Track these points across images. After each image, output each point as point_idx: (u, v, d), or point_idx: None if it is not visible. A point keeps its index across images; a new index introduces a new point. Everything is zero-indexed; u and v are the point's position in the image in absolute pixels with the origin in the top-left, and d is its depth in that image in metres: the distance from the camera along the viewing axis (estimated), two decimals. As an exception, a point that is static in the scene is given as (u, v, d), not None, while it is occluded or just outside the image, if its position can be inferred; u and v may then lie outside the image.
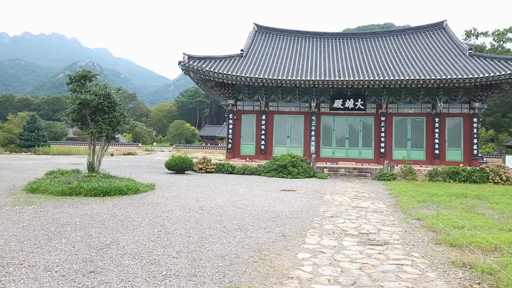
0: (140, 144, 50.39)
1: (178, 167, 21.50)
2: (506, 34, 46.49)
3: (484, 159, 36.42)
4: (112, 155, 42.52)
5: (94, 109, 15.13)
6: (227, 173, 22.86)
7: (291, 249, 6.39)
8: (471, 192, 14.42)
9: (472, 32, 48.28)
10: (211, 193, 13.34)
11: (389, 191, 15.59)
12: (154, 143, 77.87)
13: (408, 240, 7.18)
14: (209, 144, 72.64)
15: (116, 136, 21.92)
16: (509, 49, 46.04)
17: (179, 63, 25.05)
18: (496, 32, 47.22)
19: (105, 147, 16.46)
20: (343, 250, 6.40)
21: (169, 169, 21.98)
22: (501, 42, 46.97)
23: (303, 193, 14.40)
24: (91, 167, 15.39)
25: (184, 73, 26.11)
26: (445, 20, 31.39)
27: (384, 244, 6.84)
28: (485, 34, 48.23)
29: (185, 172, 22.23)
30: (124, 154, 44.83)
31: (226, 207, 10.40)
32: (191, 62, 25.05)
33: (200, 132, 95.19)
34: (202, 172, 22.93)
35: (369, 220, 9.13)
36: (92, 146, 15.82)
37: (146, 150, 51.50)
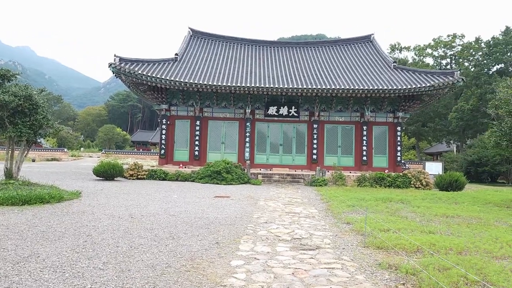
0: (65, 149, 47.60)
1: (107, 173, 20.54)
2: (426, 49, 50.19)
3: (407, 165, 38.84)
4: (33, 160, 39.74)
5: (13, 111, 14.04)
6: (159, 180, 22.27)
7: (225, 256, 6.28)
8: (395, 197, 15.22)
9: (396, 46, 51.58)
10: (142, 201, 12.86)
11: (321, 196, 16.01)
12: (82, 149, 74.07)
13: (338, 244, 7.36)
14: (141, 150, 70.45)
15: (39, 140, 20.56)
16: (428, 64, 49.74)
17: (110, 65, 24.07)
18: (417, 48, 50.83)
19: (25, 152, 15.33)
20: (276, 256, 6.40)
21: (97, 176, 20.92)
22: (422, 57, 50.63)
23: (237, 199, 14.36)
24: (9, 174, 14.24)
25: (115, 75, 25.15)
26: (373, 34, 33.19)
27: (316, 248, 6.96)
28: (408, 48, 51.75)
29: (115, 178, 21.31)
30: (48, 160, 42.08)
31: (158, 215, 10.05)
32: (122, 65, 24.17)
33: (132, 138, 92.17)
34: (133, 179, 22.12)
35: (301, 225, 9.27)
36: (10, 151, 14.65)
37: (72, 156, 48.69)
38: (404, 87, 24.23)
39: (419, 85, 24.37)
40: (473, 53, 46.47)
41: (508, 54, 42.48)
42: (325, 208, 12.44)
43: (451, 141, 50.07)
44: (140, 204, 11.94)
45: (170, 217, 9.81)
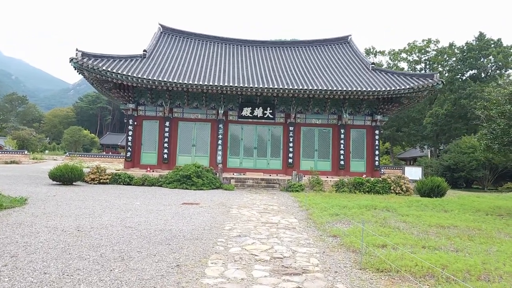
0: (26, 152, 44.70)
1: (64, 177, 18.61)
2: (400, 54, 49.97)
3: (382, 170, 38.19)
4: (-10, 163, 36.99)
5: None
6: (124, 184, 20.53)
7: (186, 286, 4.83)
8: (379, 204, 14.07)
9: (371, 50, 51.19)
10: (97, 209, 11.20)
11: (299, 203, 14.73)
12: (46, 151, 70.57)
13: (328, 266, 6.01)
14: (110, 153, 67.72)
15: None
16: (403, 68, 49.51)
17: (71, 60, 22.14)
18: (392, 52, 50.56)
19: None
20: (253, 284, 4.99)
21: (53, 180, 18.95)
22: (396, 62, 50.37)
23: (207, 206, 12.88)
24: None
25: (78, 72, 23.16)
26: (350, 35, 32.37)
27: (303, 272, 5.58)
28: (382, 53, 51.42)
29: (74, 183, 19.41)
30: (6, 163, 39.26)
31: (112, 227, 8.47)
32: (85, 60, 22.30)
33: (101, 140, 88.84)
34: (94, 183, 20.28)
35: (281, 239, 7.88)
36: None
37: (33, 159, 45.80)
38: (384, 89, 23.33)
39: (398, 87, 23.52)
40: (447, 58, 46.49)
41: (482, 59, 42.61)
42: (305, 217, 11.11)
43: (425, 146, 49.95)
44: (94, 213, 10.30)
45: (126, 229, 8.25)
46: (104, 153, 69.47)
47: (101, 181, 20.56)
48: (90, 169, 21.60)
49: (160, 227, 8.69)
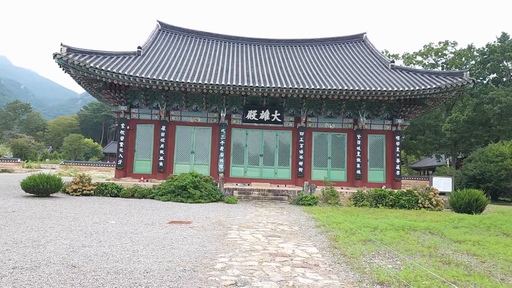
0: (19, 160, 42.23)
1: (38, 188, 15.93)
2: (415, 57, 47.15)
3: (399, 180, 35.14)
4: (-22, 172, 34.54)
5: None
6: (111, 196, 17.86)
7: None
8: (415, 223, 11.20)
9: (385, 53, 48.39)
10: (52, 232, 8.48)
11: (315, 221, 11.89)
12: (47, 159, 68.30)
13: None
14: (114, 162, 65.28)
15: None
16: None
17: (55, 55, 19.68)
18: (406, 55, 47.75)
19: None
20: None
21: (26, 191, 16.27)
22: (411, 65, 47.46)
23: (200, 227, 10.11)
24: None
25: (63, 69, 20.70)
26: (365, 33, 29.67)
27: None
28: (396, 56, 48.61)
29: (52, 194, 16.75)
30: (-3, 172, 36.81)
31: (47, 266, 5.71)
32: (70, 56, 19.85)
33: (104, 149, 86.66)
34: (76, 195, 17.60)
35: (300, 289, 5.09)
36: None
37: (27, 167, 43.36)
38: (407, 88, 20.57)
39: (423, 87, 20.77)
40: (465, 61, 43.58)
41: (504, 62, 39.62)
42: (328, 245, 8.29)
43: (442, 155, 46.83)
44: (40, 240, 7.57)
45: (64, 271, 5.48)
46: (108, 161, 67.07)
47: (85, 192, 17.88)
48: (72, 179, 18.97)
49: (120, 265, 5.92)
